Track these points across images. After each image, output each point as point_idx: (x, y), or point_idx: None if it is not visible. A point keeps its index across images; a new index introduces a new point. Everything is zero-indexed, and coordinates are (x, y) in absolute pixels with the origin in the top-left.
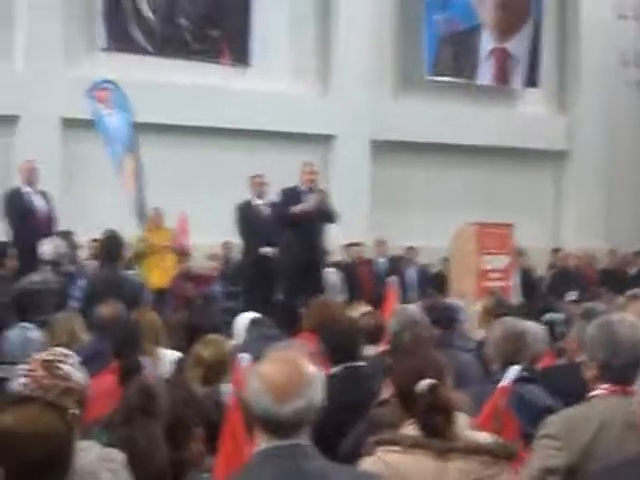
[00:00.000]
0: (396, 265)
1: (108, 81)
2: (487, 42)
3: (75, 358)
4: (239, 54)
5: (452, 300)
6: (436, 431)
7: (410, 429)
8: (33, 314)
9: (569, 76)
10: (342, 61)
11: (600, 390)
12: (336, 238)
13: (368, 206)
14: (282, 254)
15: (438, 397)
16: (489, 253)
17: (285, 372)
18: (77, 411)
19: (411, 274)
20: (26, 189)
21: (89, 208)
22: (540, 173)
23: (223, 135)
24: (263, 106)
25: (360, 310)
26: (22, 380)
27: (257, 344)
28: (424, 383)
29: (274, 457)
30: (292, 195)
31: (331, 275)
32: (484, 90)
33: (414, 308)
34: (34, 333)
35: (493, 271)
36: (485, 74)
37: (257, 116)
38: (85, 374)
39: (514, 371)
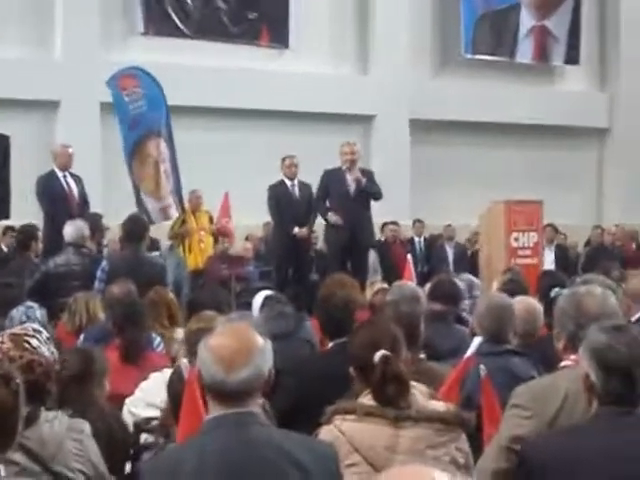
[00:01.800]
0: (433, 244)
1: (135, 68)
2: (526, 20)
3: (45, 334)
4: (278, 36)
5: (468, 277)
6: (390, 400)
7: (367, 399)
8: (56, 296)
9: (610, 53)
10: (380, 41)
11: (569, 361)
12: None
13: (408, 185)
14: (326, 235)
15: (391, 368)
16: (518, 230)
17: (232, 343)
18: (49, 386)
19: (448, 253)
20: (60, 173)
21: (127, 192)
22: (582, 150)
23: (263, 117)
24: (302, 87)
25: (376, 288)
26: None
27: (266, 320)
28: (378, 354)
29: (222, 425)
30: (334, 177)
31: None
32: (524, 68)
33: (411, 285)
34: (37, 312)
35: (522, 248)
36: (525, 52)
37: (297, 97)
38: (53, 350)
39: (476, 343)
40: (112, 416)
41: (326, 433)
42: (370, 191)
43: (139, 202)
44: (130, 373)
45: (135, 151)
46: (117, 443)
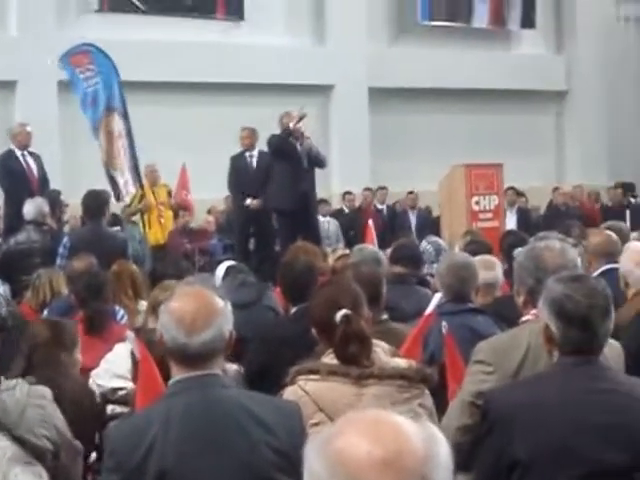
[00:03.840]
0: (396, 210)
1: (88, 44)
2: None
3: None
4: (233, 8)
5: (436, 240)
6: (352, 359)
7: (330, 358)
8: (18, 273)
9: (565, 15)
10: (336, 11)
11: (529, 315)
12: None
13: (368, 153)
14: (273, 204)
15: (352, 326)
16: (478, 194)
17: (192, 306)
18: None
19: (411, 219)
20: (19, 152)
21: (86, 169)
22: (541, 114)
23: (221, 90)
24: (260, 60)
25: (338, 254)
26: None
27: (229, 290)
28: (339, 314)
29: (185, 388)
30: (283, 143)
31: (330, 224)
32: (480, 33)
33: (371, 247)
34: (0, 288)
35: (483, 212)
36: (481, 17)
37: (254, 70)
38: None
39: (436, 299)
40: (81, 386)
41: (290, 393)
42: (318, 159)
43: (110, 178)
44: (94, 346)
45: (98, 128)
46: (86, 411)
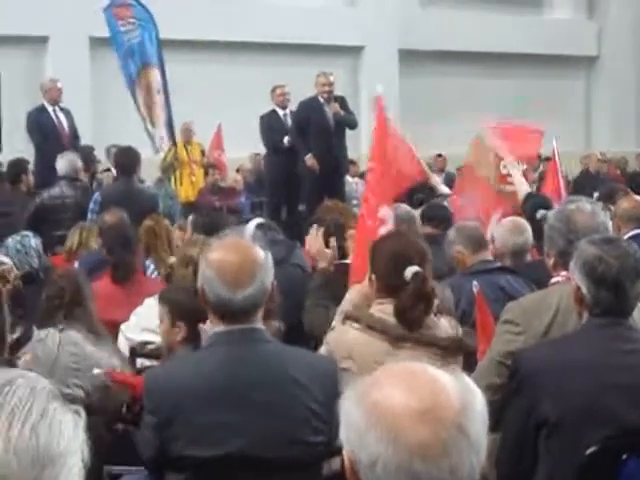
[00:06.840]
0: None
1: None
2: None
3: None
4: None
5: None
6: (417, 321)
7: (378, 309)
8: (50, 228)
9: None
10: None
11: (559, 277)
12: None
13: (397, 116)
14: (304, 165)
15: (424, 286)
16: None
17: (235, 259)
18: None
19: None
20: (50, 107)
21: (117, 126)
22: (570, 79)
23: (252, 49)
24: (291, 19)
25: None
26: None
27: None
28: (410, 270)
29: (224, 341)
30: (312, 109)
31: (359, 185)
32: None
33: (405, 207)
34: (32, 240)
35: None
36: None
37: (285, 30)
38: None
39: None
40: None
41: (338, 331)
42: (347, 122)
43: (147, 131)
44: (125, 299)
45: (138, 80)
46: None
